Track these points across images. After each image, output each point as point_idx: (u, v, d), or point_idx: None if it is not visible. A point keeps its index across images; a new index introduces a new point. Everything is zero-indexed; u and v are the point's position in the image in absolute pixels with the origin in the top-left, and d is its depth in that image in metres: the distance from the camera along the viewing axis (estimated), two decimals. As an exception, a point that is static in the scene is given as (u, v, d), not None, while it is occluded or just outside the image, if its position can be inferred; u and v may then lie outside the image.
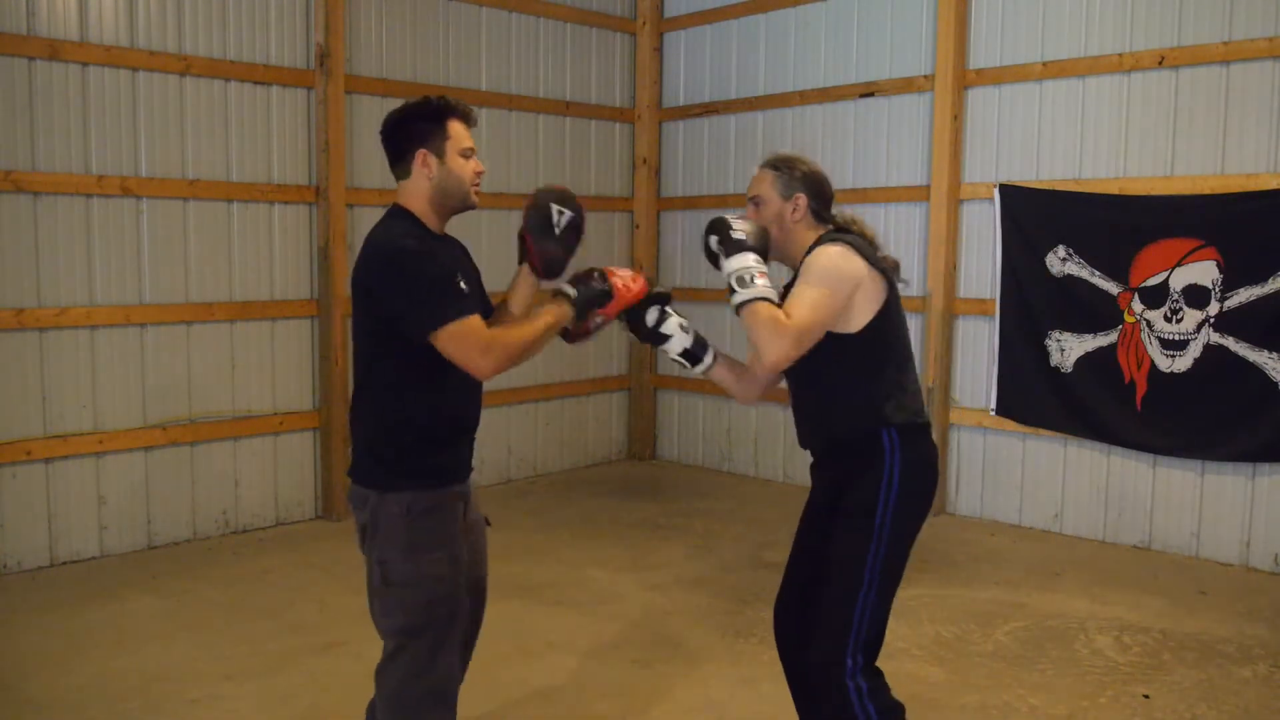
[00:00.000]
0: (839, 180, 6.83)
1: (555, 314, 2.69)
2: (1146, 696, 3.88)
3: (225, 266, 5.88)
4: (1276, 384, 5.20)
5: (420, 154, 2.68)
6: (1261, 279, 5.21)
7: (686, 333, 2.93)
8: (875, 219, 6.50)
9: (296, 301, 6.14)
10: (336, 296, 6.14)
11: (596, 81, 7.70)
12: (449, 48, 6.79)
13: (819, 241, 2.74)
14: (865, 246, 2.72)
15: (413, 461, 2.66)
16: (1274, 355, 5.21)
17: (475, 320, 2.56)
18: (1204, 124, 5.47)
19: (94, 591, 4.94)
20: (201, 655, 4.20)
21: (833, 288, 2.60)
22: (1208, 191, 5.39)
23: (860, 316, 2.66)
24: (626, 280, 2.82)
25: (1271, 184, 5.20)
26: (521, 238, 2.81)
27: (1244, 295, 5.28)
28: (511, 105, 7.09)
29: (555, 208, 2.79)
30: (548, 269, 2.82)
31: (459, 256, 2.78)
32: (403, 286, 2.56)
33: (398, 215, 2.71)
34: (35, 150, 5.19)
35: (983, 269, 6.25)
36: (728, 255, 2.70)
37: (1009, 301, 6.08)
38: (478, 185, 2.75)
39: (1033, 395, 6.04)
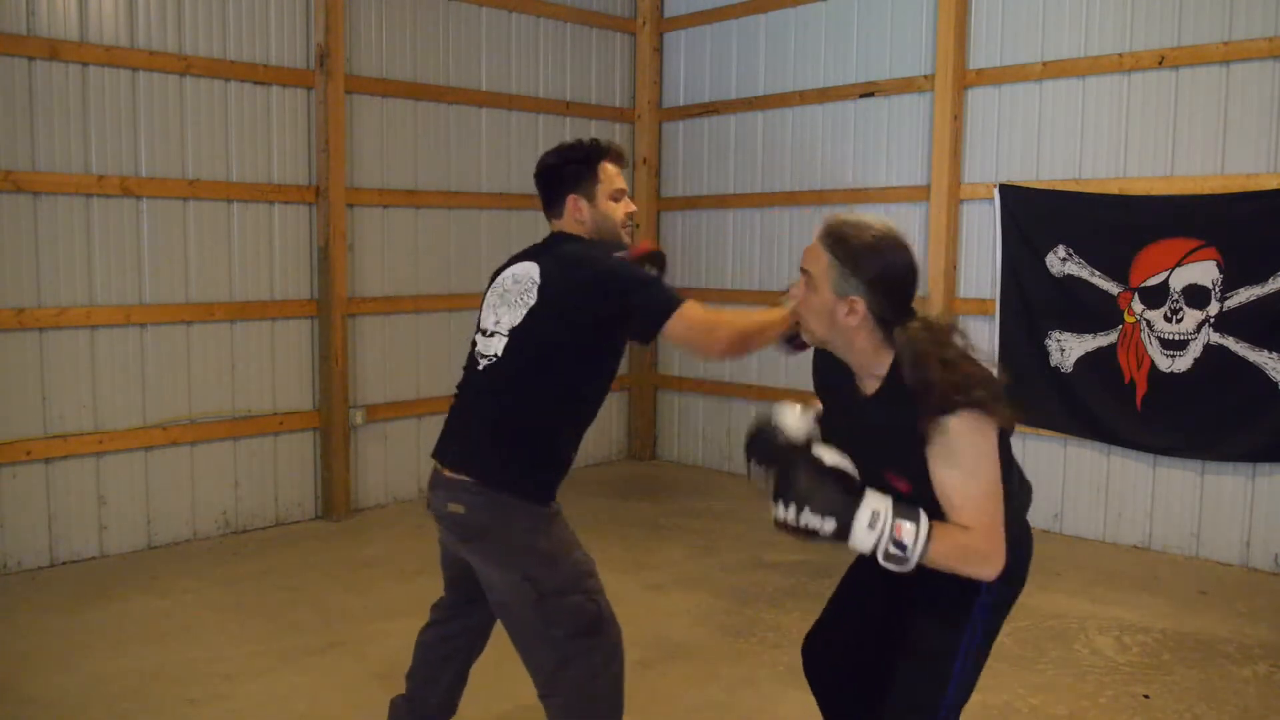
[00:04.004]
0: (839, 181, 6.88)
1: (780, 321, 2.59)
2: (1146, 696, 3.88)
3: (225, 266, 5.87)
4: (1276, 384, 5.20)
5: (571, 199, 2.73)
6: (1261, 279, 5.21)
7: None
8: (875, 219, 6.49)
9: (296, 301, 6.14)
10: (337, 296, 6.14)
11: (596, 81, 7.70)
12: (449, 48, 6.79)
13: (943, 409, 2.09)
14: (991, 387, 2.12)
15: (542, 483, 2.68)
16: (1274, 355, 5.21)
17: (695, 305, 2.58)
18: (1204, 124, 5.47)
19: (94, 591, 4.94)
20: (201, 655, 4.20)
21: (992, 469, 2.11)
22: (1208, 191, 5.39)
23: None
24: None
25: (1271, 184, 5.20)
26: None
27: (1244, 295, 5.28)
28: (511, 105, 7.09)
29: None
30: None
31: None
32: (623, 291, 2.60)
33: (571, 238, 2.78)
34: (35, 150, 5.19)
35: (983, 269, 6.26)
36: (843, 521, 2.07)
37: (1009, 301, 6.09)
38: (629, 226, 2.79)
39: (1033, 395, 6.03)
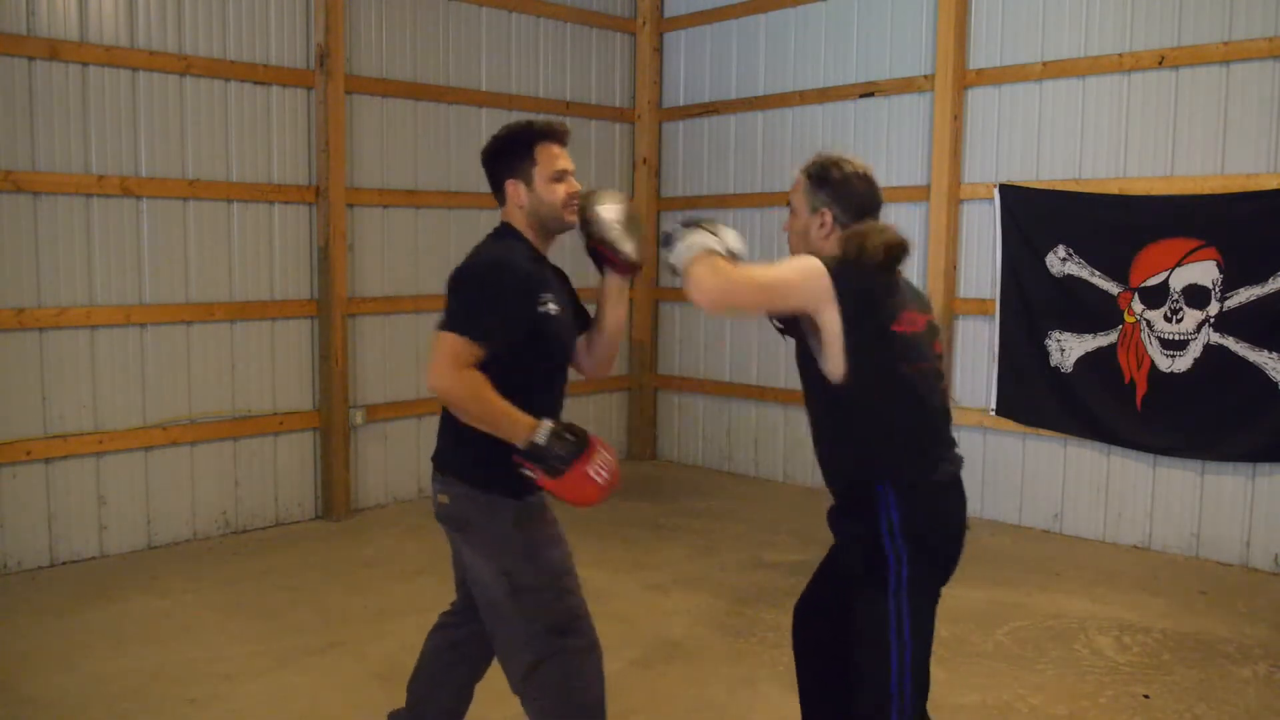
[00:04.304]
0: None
1: (519, 430, 2.53)
2: (1146, 696, 3.88)
3: (225, 266, 5.87)
4: (1276, 384, 5.20)
5: (510, 184, 2.71)
6: (1261, 279, 5.21)
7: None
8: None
9: (296, 301, 6.14)
10: (336, 296, 6.14)
11: (596, 81, 7.70)
12: (449, 48, 6.79)
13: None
14: (852, 277, 2.39)
15: (510, 466, 2.61)
16: (1274, 355, 5.21)
17: (466, 344, 2.52)
18: (1204, 124, 5.46)
19: (94, 591, 4.94)
20: (201, 655, 4.20)
21: (777, 278, 2.40)
22: (1208, 191, 5.39)
23: (831, 367, 2.40)
24: (602, 465, 2.56)
25: (1271, 184, 5.20)
26: (594, 250, 2.76)
27: (1244, 295, 5.28)
28: (511, 105, 7.08)
29: (602, 209, 2.73)
30: (630, 266, 2.78)
31: (554, 279, 2.79)
32: (471, 295, 2.59)
33: (505, 233, 2.76)
34: (35, 150, 5.19)
35: (983, 269, 6.25)
36: (670, 244, 2.52)
37: (1009, 301, 6.09)
38: (573, 206, 2.74)
39: (1033, 395, 6.04)
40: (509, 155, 2.71)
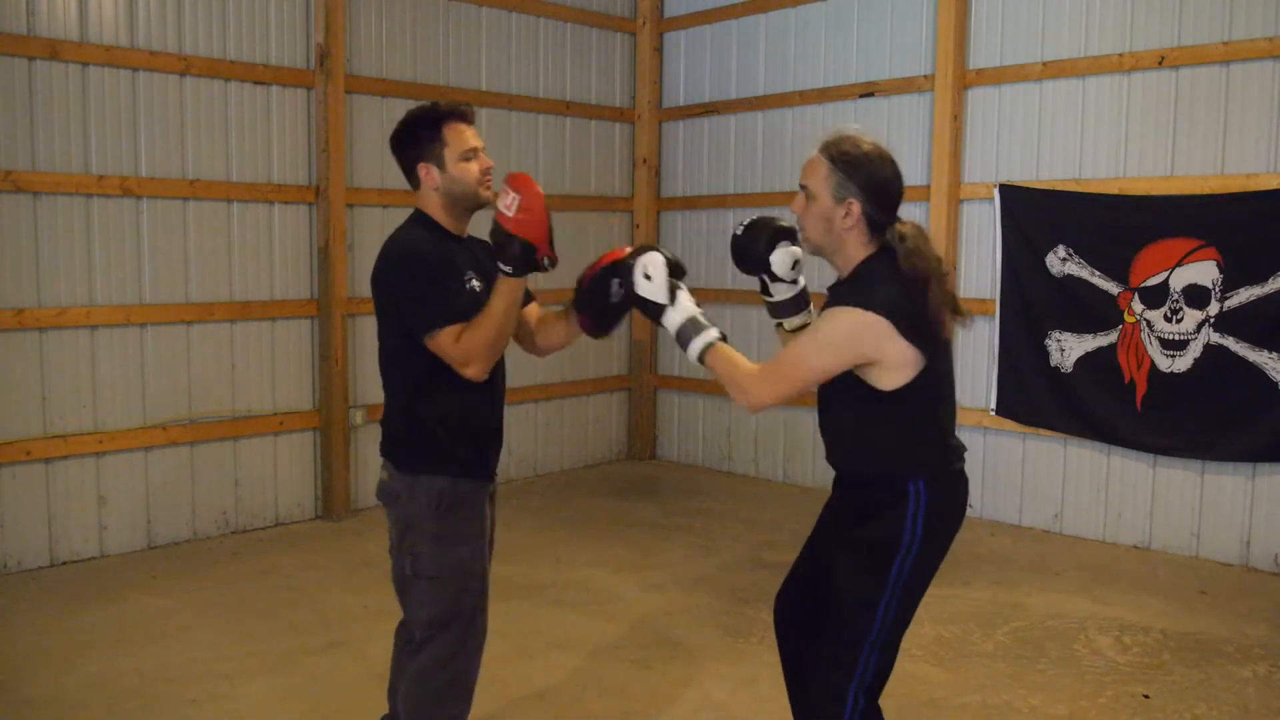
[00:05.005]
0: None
1: (507, 294, 2.61)
2: (1146, 696, 3.88)
3: (225, 266, 5.88)
4: (1276, 384, 5.20)
5: (422, 168, 2.71)
6: (1261, 279, 5.21)
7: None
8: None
9: (296, 301, 6.14)
10: (336, 296, 6.14)
11: (596, 81, 7.69)
12: (449, 48, 6.79)
13: (858, 278, 2.47)
14: (903, 304, 2.39)
15: (440, 450, 2.69)
16: (1274, 355, 5.21)
17: (451, 333, 2.58)
18: (1204, 124, 5.46)
19: (94, 591, 4.94)
20: (201, 655, 4.20)
21: (839, 354, 2.40)
22: (1208, 191, 5.39)
23: (888, 380, 2.43)
24: (508, 204, 2.54)
25: (1271, 184, 5.20)
26: (578, 302, 2.79)
27: (1244, 295, 5.28)
28: (511, 105, 7.09)
29: (615, 282, 2.72)
30: (596, 333, 2.84)
31: (479, 255, 2.80)
32: (405, 288, 2.62)
33: (415, 220, 2.77)
34: (35, 150, 5.19)
35: (983, 269, 6.25)
36: (658, 317, 2.57)
37: (1009, 301, 6.08)
38: (488, 181, 2.75)
39: (1033, 395, 6.04)
40: (417, 139, 2.70)
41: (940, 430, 2.55)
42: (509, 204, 2.52)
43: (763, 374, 2.48)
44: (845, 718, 2.52)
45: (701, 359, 2.54)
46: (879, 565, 2.48)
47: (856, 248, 2.49)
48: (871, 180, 2.44)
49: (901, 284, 2.41)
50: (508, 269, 2.57)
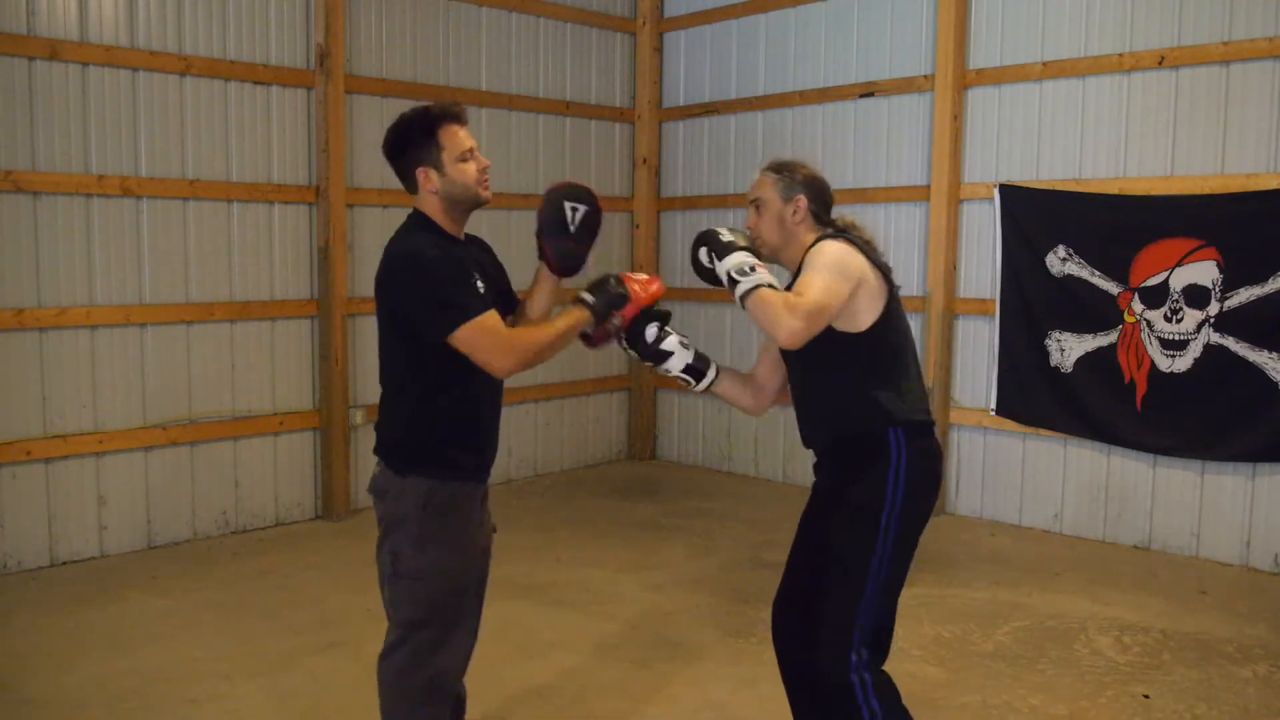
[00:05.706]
0: (839, 181, 6.85)
1: (574, 317, 2.74)
2: (1146, 696, 3.88)
3: (225, 266, 5.88)
4: (1276, 384, 5.20)
5: (420, 172, 2.71)
6: (1261, 279, 5.21)
7: (687, 349, 2.94)
8: (875, 219, 6.50)
9: (296, 301, 6.14)
10: (336, 296, 6.14)
11: (596, 81, 7.69)
12: (449, 48, 6.79)
13: (819, 240, 2.78)
14: (865, 246, 2.77)
15: (433, 452, 2.69)
16: (1274, 355, 5.21)
17: (493, 318, 2.59)
18: (1204, 124, 5.46)
19: (94, 591, 4.94)
20: (201, 655, 4.20)
21: (840, 274, 2.63)
22: (1208, 191, 5.39)
23: (865, 316, 2.69)
24: (643, 283, 2.85)
25: (1271, 184, 5.20)
26: (537, 236, 2.83)
27: (1244, 295, 5.28)
28: (511, 105, 7.09)
29: (569, 205, 2.80)
30: (564, 267, 2.85)
31: (479, 258, 2.80)
32: (418, 292, 2.59)
33: (415, 223, 2.75)
34: (35, 150, 5.19)
35: (983, 269, 6.25)
36: (721, 257, 2.75)
37: (1009, 301, 6.08)
38: (486, 181, 2.76)
39: (1033, 395, 6.04)
40: (413, 144, 2.70)
41: (913, 379, 2.79)
42: (644, 280, 2.87)
43: (789, 305, 2.59)
44: (851, 672, 2.66)
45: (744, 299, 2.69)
46: (868, 521, 2.67)
47: (806, 238, 2.82)
48: (810, 178, 2.86)
49: (849, 240, 2.78)
50: (596, 304, 2.75)
